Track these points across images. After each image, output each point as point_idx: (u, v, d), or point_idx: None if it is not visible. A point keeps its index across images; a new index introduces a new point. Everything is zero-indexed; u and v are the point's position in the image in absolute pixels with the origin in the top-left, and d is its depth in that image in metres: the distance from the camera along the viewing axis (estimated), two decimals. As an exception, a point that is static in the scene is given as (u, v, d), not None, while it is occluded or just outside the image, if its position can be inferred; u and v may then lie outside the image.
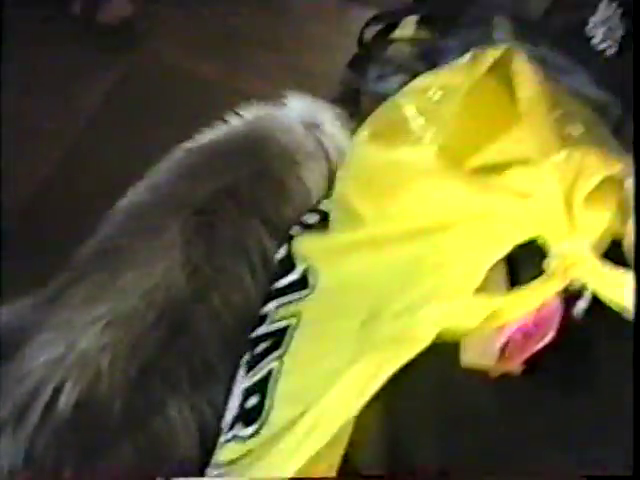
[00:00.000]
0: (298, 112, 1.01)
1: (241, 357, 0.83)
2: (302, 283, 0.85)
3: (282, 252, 0.90)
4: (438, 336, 0.61)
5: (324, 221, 0.90)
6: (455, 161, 0.70)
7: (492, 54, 0.77)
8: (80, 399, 0.73)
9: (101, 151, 1.23)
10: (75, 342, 0.75)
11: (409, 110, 0.83)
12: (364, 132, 0.81)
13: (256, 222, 0.88)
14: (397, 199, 0.74)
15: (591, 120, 0.82)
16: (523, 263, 0.68)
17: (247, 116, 0.98)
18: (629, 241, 0.65)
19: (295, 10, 1.36)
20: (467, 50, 1.21)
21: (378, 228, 0.77)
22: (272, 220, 0.89)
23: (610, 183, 0.65)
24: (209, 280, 0.82)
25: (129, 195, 0.90)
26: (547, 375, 0.65)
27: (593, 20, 1.22)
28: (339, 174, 0.86)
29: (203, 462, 0.77)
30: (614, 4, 1.23)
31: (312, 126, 1.00)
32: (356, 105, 1.17)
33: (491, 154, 0.72)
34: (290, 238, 0.91)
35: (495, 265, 0.68)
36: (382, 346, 0.63)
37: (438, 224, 0.70)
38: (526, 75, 0.73)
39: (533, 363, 0.65)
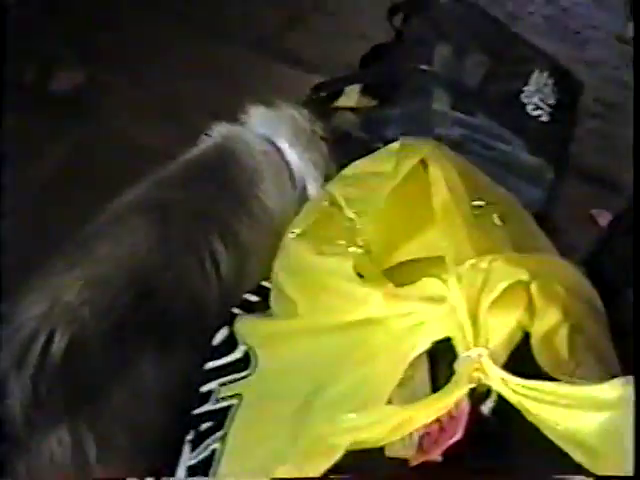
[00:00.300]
0: (259, 131, 1.11)
1: (197, 335, 0.91)
2: (244, 362, 0.89)
3: (224, 332, 0.94)
4: (355, 443, 0.65)
5: (266, 301, 0.95)
6: (376, 259, 0.75)
7: (417, 153, 0.81)
8: (69, 345, 0.82)
9: (52, 220, 1.25)
10: (59, 298, 0.85)
11: (341, 200, 0.87)
12: (295, 230, 0.86)
13: (211, 228, 0.97)
14: (324, 295, 0.78)
15: (511, 210, 0.87)
16: (443, 357, 0.72)
17: (216, 136, 1.10)
18: (537, 337, 0.70)
19: (241, 78, 1.40)
20: (408, 119, 1.26)
21: (310, 318, 0.81)
22: (230, 229, 0.99)
23: (518, 285, 0.69)
24: (163, 261, 0.92)
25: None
26: (466, 465, 0.69)
27: (527, 89, 1.27)
28: (276, 260, 0.91)
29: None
30: (545, 74, 1.29)
31: (272, 144, 1.09)
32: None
33: (411, 251, 0.76)
34: (232, 317, 0.95)
35: (417, 359, 0.72)
36: (303, 454, 0.67)
37: (362, 320, 0.74)
38: (440, 179, 0.77)
39: (451, 454, 0.69)
